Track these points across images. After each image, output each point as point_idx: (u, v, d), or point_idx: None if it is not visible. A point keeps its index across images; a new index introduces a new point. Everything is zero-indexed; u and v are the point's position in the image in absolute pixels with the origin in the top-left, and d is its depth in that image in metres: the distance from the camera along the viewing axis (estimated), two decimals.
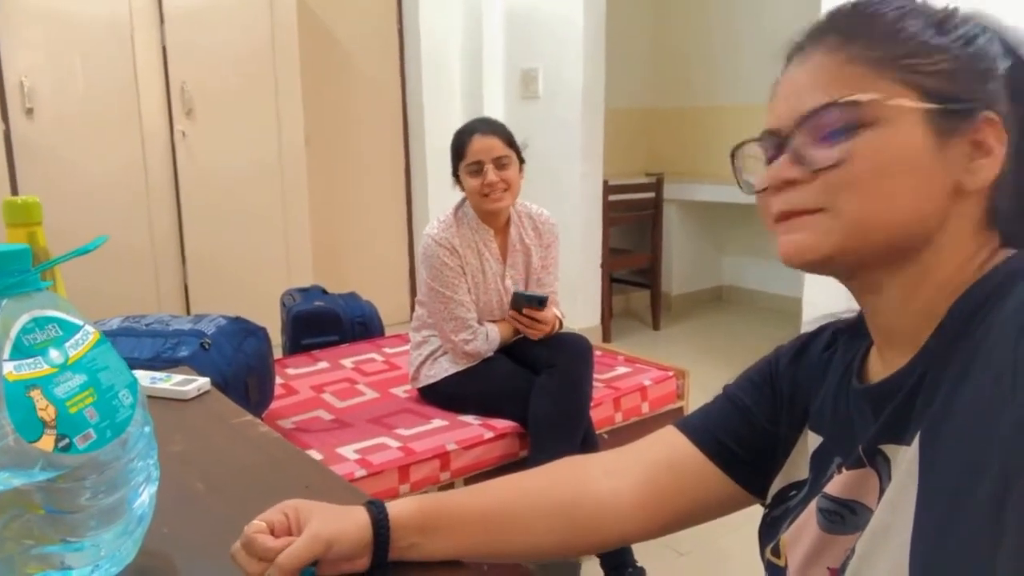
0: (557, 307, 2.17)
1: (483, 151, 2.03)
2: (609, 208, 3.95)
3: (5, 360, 0.53)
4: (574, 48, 3.62)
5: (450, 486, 1.91)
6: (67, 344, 0.58)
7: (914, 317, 0.57)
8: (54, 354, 0.56)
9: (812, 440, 0.68)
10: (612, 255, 4.09)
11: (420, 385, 2.19)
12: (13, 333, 0.54)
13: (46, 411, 0.53)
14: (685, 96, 4.95)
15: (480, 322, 2.11)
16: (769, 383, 0.73)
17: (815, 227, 0.56)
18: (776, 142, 0.60)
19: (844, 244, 0.56)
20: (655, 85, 5.05)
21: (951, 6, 0.58)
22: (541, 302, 2.06)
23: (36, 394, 0.53)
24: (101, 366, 0.59)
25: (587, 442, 1.99)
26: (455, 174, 2.13)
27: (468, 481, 1.95)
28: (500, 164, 2.03)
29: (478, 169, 2.03)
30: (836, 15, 0.59)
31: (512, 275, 2.16)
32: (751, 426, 0.72)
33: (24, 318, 0.55)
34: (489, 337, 2.09)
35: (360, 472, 1.77)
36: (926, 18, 0.57)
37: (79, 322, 0.60)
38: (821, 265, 0.58)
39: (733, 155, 0.65)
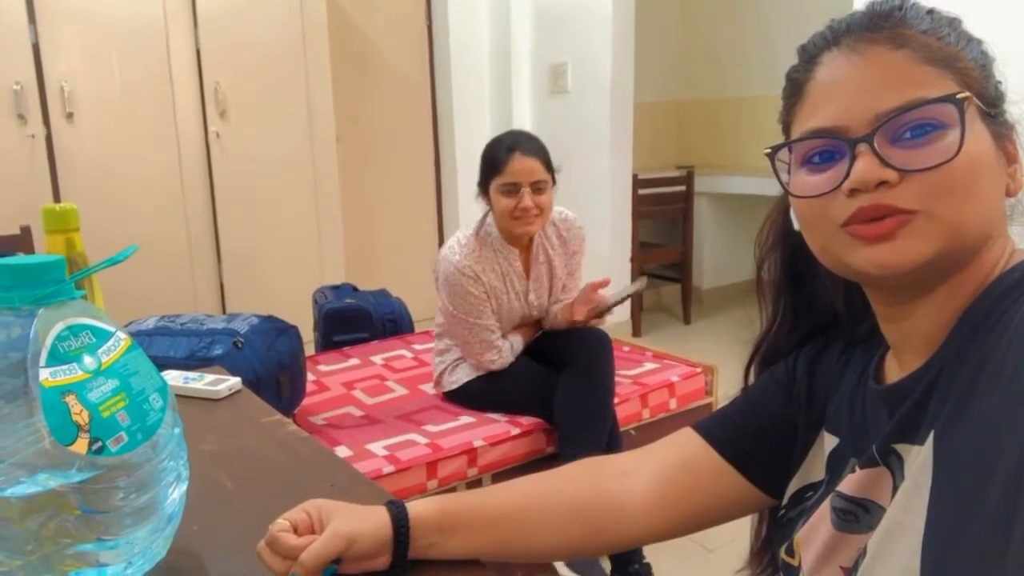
0: None
1: (523, 172, 1.90)
2: (639, 202, 3.93)
3: (42, 367, 0.55)
4: (603, 41, 3.60)
5: (477, 482, 1.94)
6: (100, 350, 0.60)
7: (940, 320, 0.56)
8: (88, 360, 0.58)
9: (829, 441, 0.68)
10: (642, 249, 4.07)
11: (444, 390, 2.20)
12: (49, 341, 0.56)
13: (80, 415, 0.55)
14: (716, 87, 4.90)
15: (504, 336, 2.10)
16: (786, 385, 0.73)
17: (915, 232, 0.53)
18: (838, 142, 0.56)
19: (941, 249, 0.53)
20: (685, 77, 5.00)
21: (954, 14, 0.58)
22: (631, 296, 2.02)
23: (71, 399, 0.55)
24: (132, 371, 0.62)
25: (611, 439, 1.99)
26: (483, 186, 2.00)
27: (495, 477, 1.97)
28: (537, 188, 1.91)
29: (514, 190, 1.91)
30: (877, 13, 0.57)
31: (536, 289, 2.13)
32: (768, 428, 0.73)
33: (59, 326, 0.57)
34: (514, 348, 2.09)
35: (388, 468, 1.80)
36: (949, 21, 0.57)
37: (111, 328, 0.62)
38: (914, 272, 0.54)
39: (774, 155, 0.61)
